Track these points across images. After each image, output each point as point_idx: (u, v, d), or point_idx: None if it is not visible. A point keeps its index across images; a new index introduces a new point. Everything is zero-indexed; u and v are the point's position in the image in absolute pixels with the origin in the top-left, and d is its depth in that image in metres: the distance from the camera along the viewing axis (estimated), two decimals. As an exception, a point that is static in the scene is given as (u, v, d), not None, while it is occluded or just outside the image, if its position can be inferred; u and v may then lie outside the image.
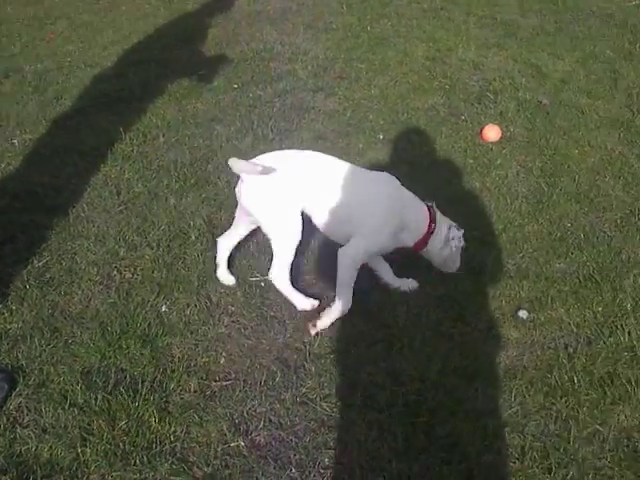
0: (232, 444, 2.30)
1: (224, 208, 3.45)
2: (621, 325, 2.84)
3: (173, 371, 2.58)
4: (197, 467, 2.23)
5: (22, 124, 4.43)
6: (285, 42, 5.77)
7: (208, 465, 2.23)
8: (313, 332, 2.77)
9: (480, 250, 3.23)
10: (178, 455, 2.26)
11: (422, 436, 2.34)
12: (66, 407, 2.40)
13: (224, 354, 2.68)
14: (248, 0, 6.79)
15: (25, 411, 2.39)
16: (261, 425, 2.38)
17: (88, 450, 2.25)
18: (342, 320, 2.81)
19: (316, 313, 2.81)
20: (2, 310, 2.82)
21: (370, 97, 4.78)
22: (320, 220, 2.84)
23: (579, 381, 2.57)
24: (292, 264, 2.81)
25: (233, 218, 3.01)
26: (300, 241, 2.79)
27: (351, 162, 2.89)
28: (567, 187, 3.78)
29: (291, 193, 2.75)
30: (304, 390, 2.52)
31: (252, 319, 2.86)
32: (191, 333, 2.77)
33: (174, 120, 4.44)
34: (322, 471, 2.23)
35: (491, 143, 4.18)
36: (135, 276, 3.06)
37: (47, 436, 2.30)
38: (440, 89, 4.89)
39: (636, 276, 3.11)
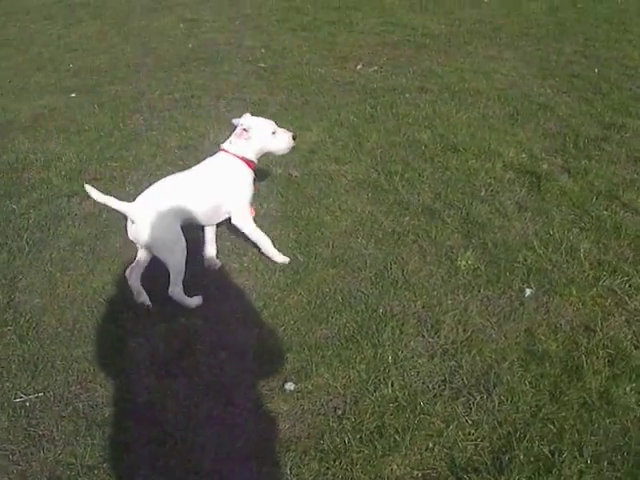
0: None
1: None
2: (384, 378, 2.99)
3: None
4: None
5: None
6: (38, 150, 5.58)
7: None
8: (280, 260, 3.76)
9: (242, 330, 3.28)
10: None
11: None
12: None
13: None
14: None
15: None
16: None
17: None
18: (113, 425, 2.75)
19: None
20: None
21: (126, 195, 4.67)
22: (201, 219, 3.60)
23: (350, 441, 2.65)
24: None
25: None
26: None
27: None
28: (322, 253, 3.93)
29: (172, 217, 3.34)
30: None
31: (19, 442, 2.67)
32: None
33: None
34: None
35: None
36: None
37: None
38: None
39: (393, 328, 3.29)
